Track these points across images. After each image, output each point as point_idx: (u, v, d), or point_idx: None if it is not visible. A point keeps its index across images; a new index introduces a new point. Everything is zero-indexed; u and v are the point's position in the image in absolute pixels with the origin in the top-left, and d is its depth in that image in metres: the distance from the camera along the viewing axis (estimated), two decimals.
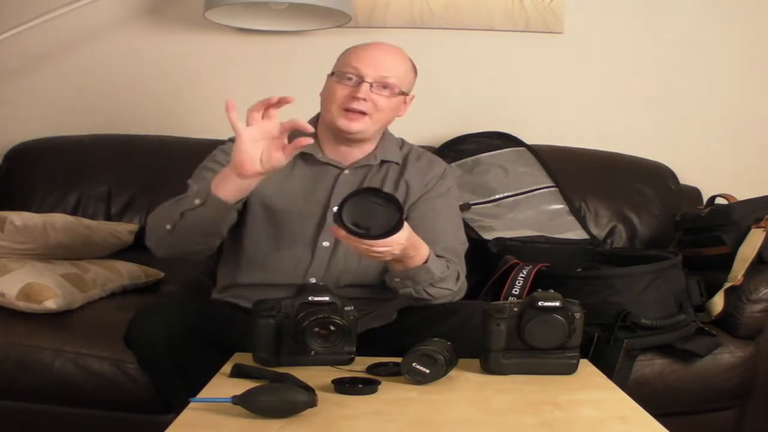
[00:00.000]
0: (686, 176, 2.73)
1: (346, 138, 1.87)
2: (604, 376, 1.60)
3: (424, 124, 2.75)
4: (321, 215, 1.87)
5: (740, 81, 2.83)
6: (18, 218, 2.13)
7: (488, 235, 2.36)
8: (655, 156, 2.75)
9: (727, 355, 2.06)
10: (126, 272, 2.31)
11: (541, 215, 2.47)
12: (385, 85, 1.82)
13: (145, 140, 2.66)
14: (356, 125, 1.82)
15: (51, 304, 1.97)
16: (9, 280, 2.00)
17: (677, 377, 2.02)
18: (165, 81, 2.80)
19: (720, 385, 2.06)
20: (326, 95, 1.87)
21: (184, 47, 2.80)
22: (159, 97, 2.80)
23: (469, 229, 2.39)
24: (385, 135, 1.96)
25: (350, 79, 1.82)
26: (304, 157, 1.88)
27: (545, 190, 2.54)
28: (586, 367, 1.63)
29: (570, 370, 1.57)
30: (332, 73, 1.86)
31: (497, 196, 2.50)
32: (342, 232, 1.53)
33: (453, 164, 2.57)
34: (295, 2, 2.45)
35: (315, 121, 1.94)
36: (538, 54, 2.82)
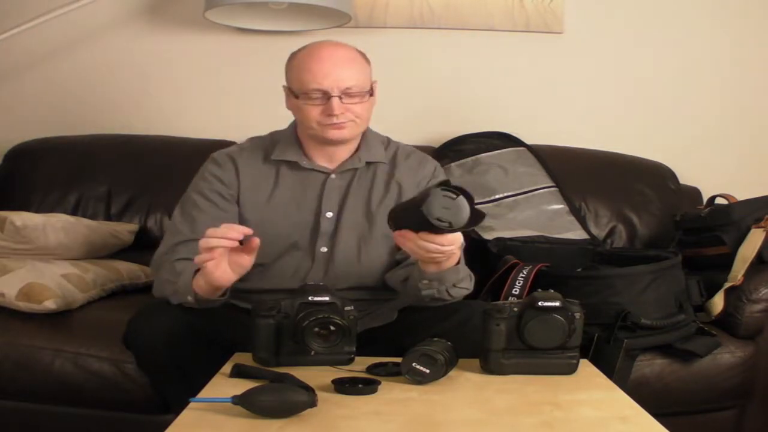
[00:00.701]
0: (686, 176, 2.73)
1: (335, 143, 1.85)
2: (604, 376, 1.60)
3: (424, 124, 2.76)
4: (314, 221, 1.85)
5: (741, 81, 2.83)
6: (18, 218, 2.13)
7: (488, 235, 2.36)
8: (655, 156, 2.74)
9: (727, 355, 2.06)
10: (126, 272, 2.31)
11: (541, 215, 2.47)
12: (351, 95, 1.78)
13: (146, 140, 2.66)
14: (345, 132, 1.80)
15: (51, 304, 1.97)
16: (9, 280, 2.01)
17: (677, 377, 2.02)
18: (165, 81, 2.80)
19: (720, 385, 2.05)
20: (299, 116, 1.83)
21: (184, 47, 2.80)
22: (159, 97, 2.81)
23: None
24: (367, 134, 1.91)
25: (318, 98, 1.77)
26: (289, 165, 1.87)
27: (545, 190, 2.54)
28: (586, 367, 1.63)
29: (570, 370, 1.57)
30: (295, 96, 1.80)
31: (497, 196, 2.50)
32: (410, 234, 1.51)
33: (453, 164, 2.58)
34: (295, 2, 2.45)
35: (293, 128, 1.91)
36: (538, 54, 2.82)
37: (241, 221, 1.82)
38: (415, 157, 1.96)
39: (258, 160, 1.88)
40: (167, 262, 1.76)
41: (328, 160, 1.88)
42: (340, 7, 2.45)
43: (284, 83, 1.86)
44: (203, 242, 1.53)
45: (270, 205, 1.85)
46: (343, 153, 1.88)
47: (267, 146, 1.90)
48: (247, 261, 1.59)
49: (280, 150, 1.88)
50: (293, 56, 1.84)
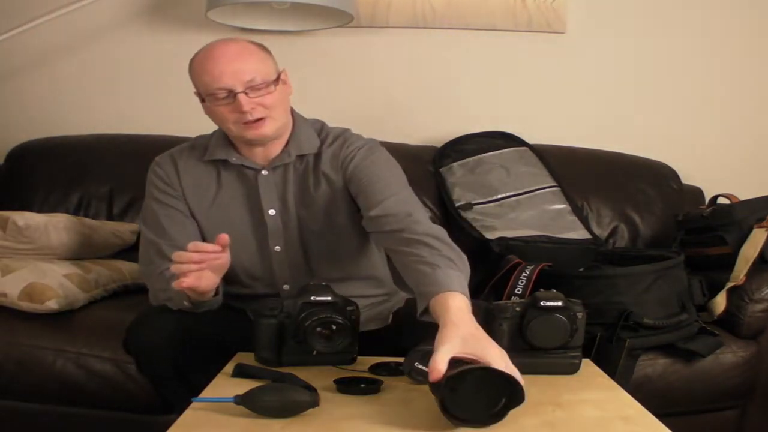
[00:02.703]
0: (688, 176, 2.73)
1: (259, 142, 1.80)
2: (607, 376, 1.60)
3: (425, 124, 2.76)
4: (260, 220, 1.82)
5: (743, 81, 2.83)
6: (20, 218, 2.14)
7: (490, 235, 2.36)
8: (657, 156, 2.75)
9: (729, 354, 2.06)
10: (128, 272, 2.31)
11: (544, 215, 2.47)
12: (257, 87, 1.71)
13: (148, 140, 2.66)
14: (265, 129, 1.74)
15: (53, 304, 1.97)
16: (11, 281, 2.01)
17: (679, 377, 2.02)
18: (167, 81, 2.79)
19: (722, 384, 2.05)
20: (215, 118, 1.78)
21: (186, 47, 2.75)
22: (161, 96, 2.80)
23: (471, 228, 2.39)
24: (297, 125, 1.84)
25: (225, 97, 1.71)
26: (224, 163, 1.83)
27: (547, 189, 2.53)
28: (588, 366, 1.62)
29: (572, 369, 1.57)
30: (203, 99, 1.76)
31: (499, 196, 2.50)
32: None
33: (455, 164, 2.58)
34: (298, 2, 2.44)
35: (221, 132, 1.85)
36: (540, 53, 2.82)
37: (203, 234, 1.82)
38: (339, 140, 1.84)
39: (197, 160, 1.85)
40: (154, 273, 1.75)
41: (261, 157, 1.81)
42: (343, 7, 2.45)
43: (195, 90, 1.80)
44: (174, 268, 1.52)
45: (216, 205, 1.82)
46: (274, 149, 1.81)
47: (206, 145, 1.86)
48: (224, 259, 1.58)
49: (212, 150, 1.84)
50: (191, 62, 1.79)
